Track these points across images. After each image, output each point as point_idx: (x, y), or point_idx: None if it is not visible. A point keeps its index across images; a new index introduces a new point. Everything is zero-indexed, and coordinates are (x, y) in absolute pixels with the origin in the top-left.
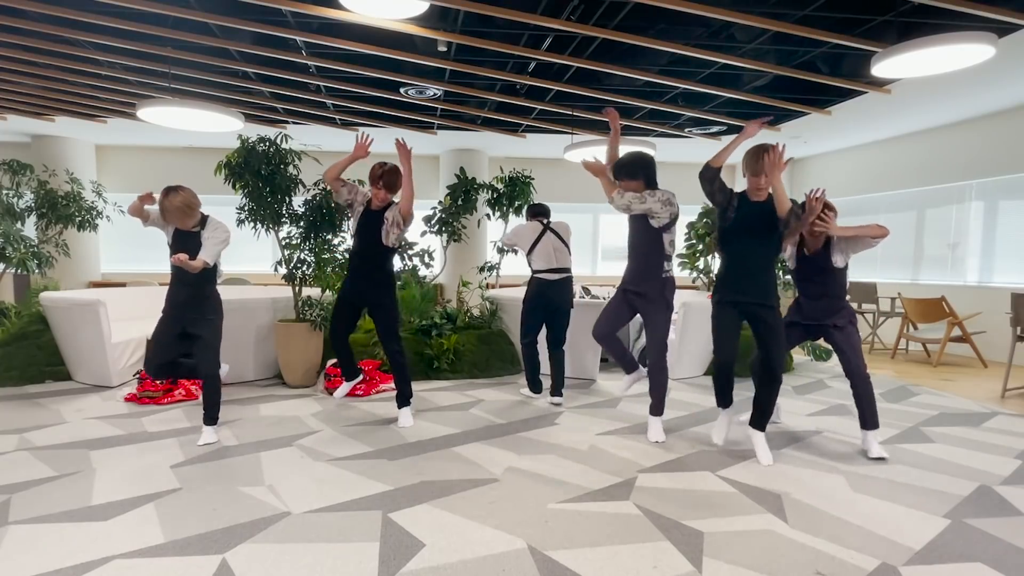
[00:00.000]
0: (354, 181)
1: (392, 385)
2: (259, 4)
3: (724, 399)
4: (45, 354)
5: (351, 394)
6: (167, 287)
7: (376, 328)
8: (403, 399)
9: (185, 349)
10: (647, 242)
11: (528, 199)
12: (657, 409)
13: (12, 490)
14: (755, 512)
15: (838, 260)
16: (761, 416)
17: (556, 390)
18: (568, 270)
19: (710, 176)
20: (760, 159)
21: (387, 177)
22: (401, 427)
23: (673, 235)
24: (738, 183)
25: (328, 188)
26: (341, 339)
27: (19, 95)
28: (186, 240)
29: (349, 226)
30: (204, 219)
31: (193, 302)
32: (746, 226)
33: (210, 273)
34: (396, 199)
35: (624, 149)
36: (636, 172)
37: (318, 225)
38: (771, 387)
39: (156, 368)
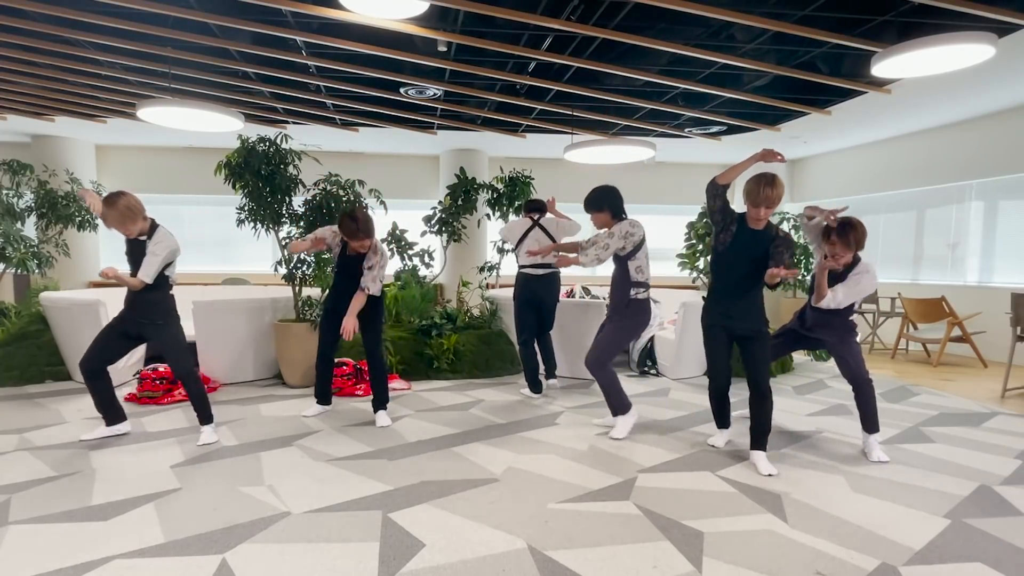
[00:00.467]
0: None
1: (393, 385)
2: (259, 4)
3: (723, 421)
4: (45, 354)
5: (351, 394)
6: None
7: (364, 337)
8: (382, 403)
9: (124, 353)
10: (617, 272)
11: (528, 199)
12: (615, 409)
13: (12, 490)
14: (755, 512)
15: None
16: (759, 436)
17: (550, 372)
18: (552, 265)
19: (714, 192)
20: (761, 190)
21: (364, 226)
22: (382, 427)
23: (640, 261)
24: (736, 194)
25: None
26: (329, 358)
27: (19, 95)
28: (134, 249)
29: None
30: (153, 228)
31: (138, 307)
32: (740, 251)
33: (158, 279)
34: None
35: (624, 149)
36: (601, 204)
37: (318, 225)
38: (761, 405)
39: (85, 365)
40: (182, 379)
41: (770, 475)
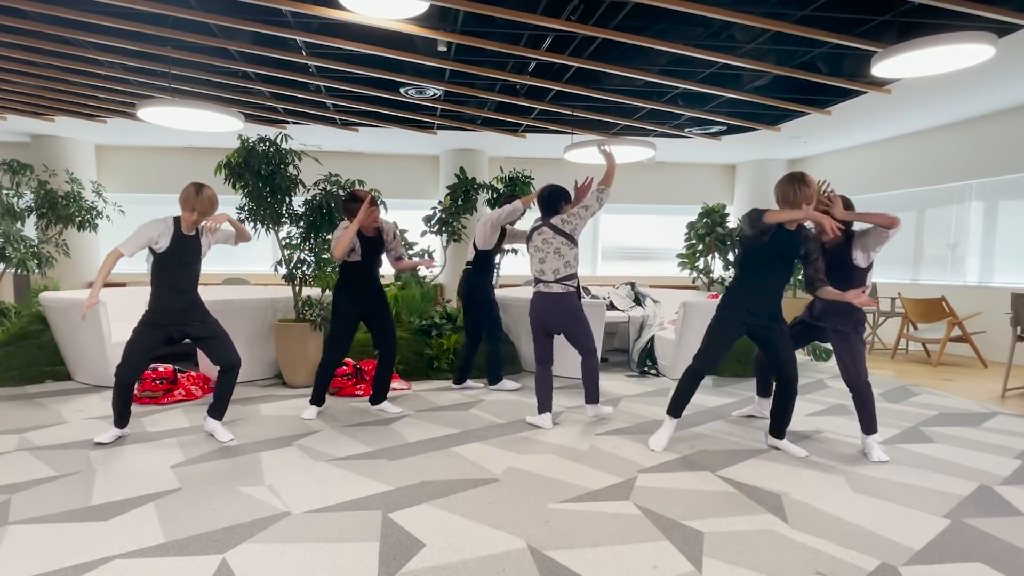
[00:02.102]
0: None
1: (393, 385)
2: (259, 4)
3: (678, 408)
4: (45, 354)
5: (351, 393)
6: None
7: (381, 331)
8: (386, 394)
9: (160, 354)
10: None
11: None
12: (538, 406)
13: (12, 490)
14: (755, 512)
15: (859, 258)
16: (779, 425)
17: (489, 379)
18: (470, 263)
19: (761, 229)
20: (798, 189)
21: (370, 199)
22: (387, 411)
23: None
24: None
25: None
26: (338, 364)
27: (19, 95)
28: (186, 244)
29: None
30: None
31: (190, 310)
32: (775, 253)
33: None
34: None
35: (623, 149)
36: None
37: (318, 225)
38: (788, 401)
39: (126, 377)
40: (233, 368)
41: (806, 456)
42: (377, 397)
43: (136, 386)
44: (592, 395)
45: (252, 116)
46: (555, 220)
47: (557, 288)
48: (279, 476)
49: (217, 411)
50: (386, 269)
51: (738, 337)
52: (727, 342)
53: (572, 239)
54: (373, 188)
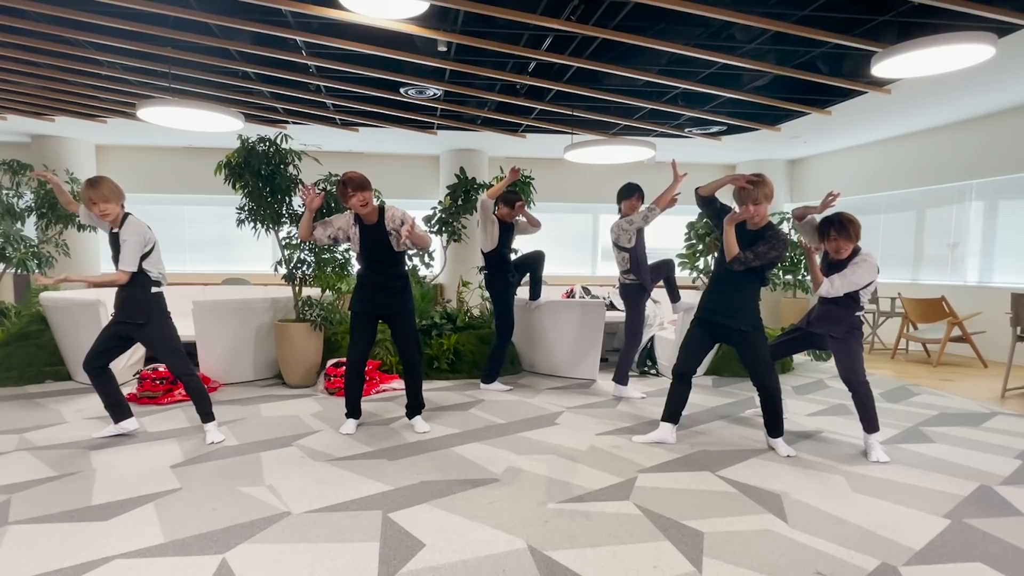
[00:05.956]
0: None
1: (392, 385)
2: (259, 4)
3: (672, 413)
4: (45, 354)
5: None
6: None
7: (397, 337)
8: (420, 408)
9: (120, 353)
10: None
11: (529, 199)
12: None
13: (12, 490)
14: (755, 512)
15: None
16: (768, 427)
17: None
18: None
19: (699, 203)
20: (747, 190)
21: (354, 182)
22: (421, 432)
23: None
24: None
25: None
26: (360, 369)
27: (19, 95)
28: (113, 243)
29: (352, 251)
30: (124, 218)
31: (119, 307)
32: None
33: (135, 276)
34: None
35: (624, 149)
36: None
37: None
38: (768, 401)
39: (86, 366)
40: (180, 379)
41: (790, 456)
42: (408, 411)
43: (137, 386)
44: (619, 376)
45: (252, 116)
46: (613, 225)
47: (620, 279)
48: (279, 476)
49: (201, 416)
50: None
51: (707, 339)
52: (696, 343)
53: (616, 246)
54: (373, 188)
